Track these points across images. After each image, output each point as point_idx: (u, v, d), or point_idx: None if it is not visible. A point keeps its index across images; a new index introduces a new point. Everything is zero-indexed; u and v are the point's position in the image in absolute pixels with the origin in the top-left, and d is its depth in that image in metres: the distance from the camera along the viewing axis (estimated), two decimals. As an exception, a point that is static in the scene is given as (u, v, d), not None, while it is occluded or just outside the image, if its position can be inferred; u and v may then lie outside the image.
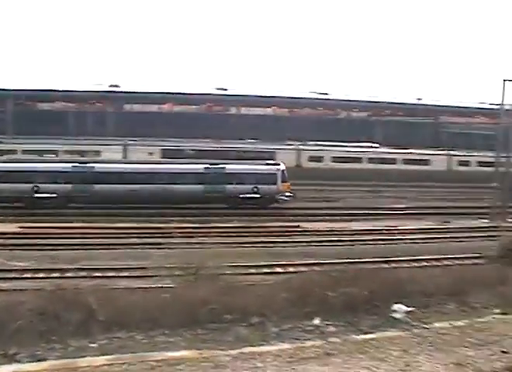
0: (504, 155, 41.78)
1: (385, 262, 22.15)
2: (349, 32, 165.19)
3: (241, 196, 39.11)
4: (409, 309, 13.84)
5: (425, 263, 22.78)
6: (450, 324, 12.68)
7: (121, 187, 37.61)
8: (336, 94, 75.19)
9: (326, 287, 14.17)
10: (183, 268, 16.37)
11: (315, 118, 73.55)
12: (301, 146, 57.15)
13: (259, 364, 9.71)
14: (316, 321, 12.66)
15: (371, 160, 55.79)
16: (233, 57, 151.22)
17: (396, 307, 13.85)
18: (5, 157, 42.50)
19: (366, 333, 12.06)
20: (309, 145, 57.58)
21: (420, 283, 15.83)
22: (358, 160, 56.65)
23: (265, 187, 40.16)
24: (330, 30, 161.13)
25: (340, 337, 11.63)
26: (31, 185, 37.14)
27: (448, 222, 36.72)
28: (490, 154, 47.79)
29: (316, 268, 19.98)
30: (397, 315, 13.50)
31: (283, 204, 40.76)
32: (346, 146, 58.13)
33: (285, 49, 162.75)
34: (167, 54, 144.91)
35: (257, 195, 39.82)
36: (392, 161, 57.12)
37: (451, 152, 61.08)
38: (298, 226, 32.31)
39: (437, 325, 12.68)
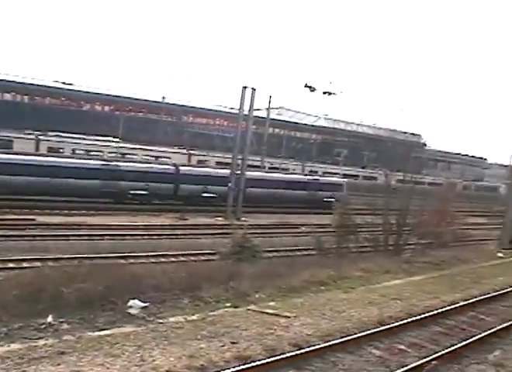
0: (240, 157, 44.17)
1: (123, 257, 22.10)
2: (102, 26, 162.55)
3: (325, 200, 51.29)
4: (145, 304, 14.01)
5: (162, 259, 23.10)
6: (184, 318, 13.09)
7: (262, 190, 49.48)
8: (81, 85, 73.27)
9: (61, 283, 13.80)
10: None
11: (57, 109, 70.89)
12: (41, 136, 54.61)
13: (-15, 369, 9.16)
14: (50, 318, 12.24)
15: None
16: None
17: (131, 302, 13.93)
18: None
19: (101, 330, 11.95)
20: (50, 135, 55.27)
21: (156, 278, 16.11)
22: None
23: (337, 193, 53.63)
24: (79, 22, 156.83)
25: (74, 334, 11.38)
26: (202, 186, 46.50)
27: (186, 219, 37.78)
28: (228, 155, 50.07)
29: (50, 263, 19.34)
30: (133, 311, 13.58)
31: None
32: (87, 139, 56.88)
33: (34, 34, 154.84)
34: None
35: (333, 199, 49.58)
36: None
37: (192, 151, 62.81)
38: (33, 220, 30.89)
39: (171, 319, 13.00)
